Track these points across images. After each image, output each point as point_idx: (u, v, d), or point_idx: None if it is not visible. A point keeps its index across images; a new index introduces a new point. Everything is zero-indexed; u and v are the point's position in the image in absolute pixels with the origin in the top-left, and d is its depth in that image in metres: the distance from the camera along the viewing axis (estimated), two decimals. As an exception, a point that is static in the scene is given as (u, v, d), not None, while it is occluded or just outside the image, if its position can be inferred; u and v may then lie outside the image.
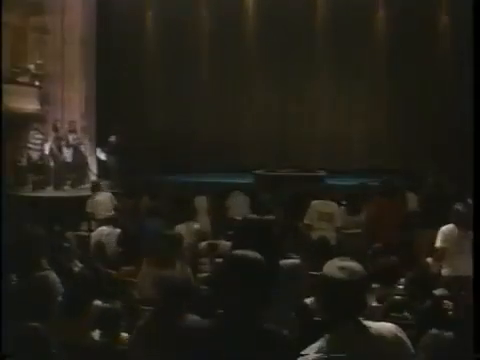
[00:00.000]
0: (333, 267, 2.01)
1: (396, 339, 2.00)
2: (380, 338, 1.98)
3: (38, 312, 3.07)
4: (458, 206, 5.13)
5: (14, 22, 10.79)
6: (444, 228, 5.18)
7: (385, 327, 2.04)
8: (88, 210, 8.39)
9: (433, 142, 12.01)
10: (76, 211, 8.52)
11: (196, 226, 6.60)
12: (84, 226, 8.31)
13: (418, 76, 12.47)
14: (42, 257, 3.68)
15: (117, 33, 12.90)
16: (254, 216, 3.08)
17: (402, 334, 2.02)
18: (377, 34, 13.22)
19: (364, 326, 1.99)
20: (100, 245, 5.98)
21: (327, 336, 2.00)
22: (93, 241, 6.35)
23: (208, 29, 13.48)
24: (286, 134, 13.49)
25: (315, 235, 6.11)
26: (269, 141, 13.32)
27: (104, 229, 6.64)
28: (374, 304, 3.59)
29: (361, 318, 1.99)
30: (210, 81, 13.53)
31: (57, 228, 6.31)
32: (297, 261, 3.28)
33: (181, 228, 6.25)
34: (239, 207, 8.46)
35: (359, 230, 6.59)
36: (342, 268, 1.99)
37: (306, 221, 6.78)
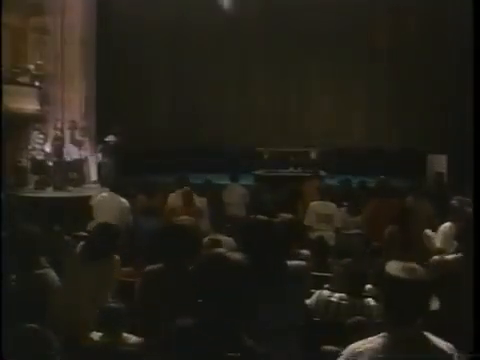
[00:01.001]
0: (397, 268, 1.99)
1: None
2: (434, 352, 1.94)
3: (38, 311, 3.08)
4: (457, 204, 5.13)
5: (14, 23, 10.79)
6: (442, 227, 5.21)
7: (443, 344, 2.00)
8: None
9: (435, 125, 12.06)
10: (76, 211, 8.50)
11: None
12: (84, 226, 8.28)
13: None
14: (41, 256, 3.71)
15: (117, 33, 12.91)
16: (263, 217, 3.07)
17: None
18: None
19: (422, 334, 1.98)
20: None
21: (380, 336, 1.99)
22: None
23: (208, 28, 13.48)
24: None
25: (314, 236, 6.14)
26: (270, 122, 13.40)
27: (103, 194, 6.66)
28: (373, 303, 3.60)
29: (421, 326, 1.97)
30: (210, 80, 13.55)
31: (57, 228, 6.30)
32: (303, 263, 3.28)
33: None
34: (237, 202, 8.48)
35: (358, 231, 6.60)
36: (407, 269, 1.97)
37: (305, 222, 6.79)
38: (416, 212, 6.05)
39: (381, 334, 2.01)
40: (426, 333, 1.98)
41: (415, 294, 1.96)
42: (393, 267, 2.01)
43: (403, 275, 1.95)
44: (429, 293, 2.07)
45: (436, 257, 3.36)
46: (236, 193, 8.77)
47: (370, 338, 2.01)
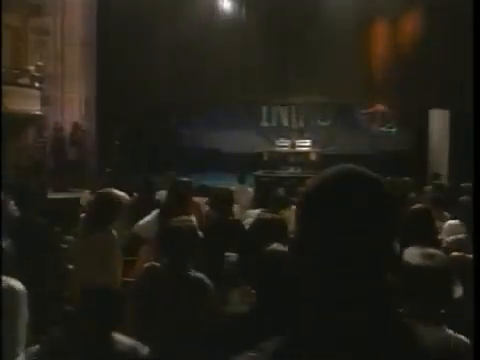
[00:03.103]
0: (416, 254, 1.82)
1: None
2: (449, 346, 1.77)
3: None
4: (463, 201, 5.07)
5: (14, 23, 10.78)
6: (447, 223, 5.17)
7: (462, 340, 1.82)
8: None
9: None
10: (76, 212, 8.47)
11: None
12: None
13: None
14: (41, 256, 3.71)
15: (117, 33, 12.87)
16: (268, 214, 3.06)
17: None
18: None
19: (443, 329, 1.80)
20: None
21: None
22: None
23: (208, 27, 13.45)
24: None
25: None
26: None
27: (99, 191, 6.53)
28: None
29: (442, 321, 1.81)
30: (211, 81, 13.53)
31: (57, 229, 6.27)
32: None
33: None
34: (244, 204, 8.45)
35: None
36: (427, 255, 1.80)
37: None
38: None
39: None
40: (446, 328, 1.82)
41: (439, 282, 1.79)
42: (412, 254, 1.83)
43: (425, 262, 1.79)
44: (452, 281, 1.89)
45: (456, 253, 3.22)
46: (243, 195, 8.75)
47: None
